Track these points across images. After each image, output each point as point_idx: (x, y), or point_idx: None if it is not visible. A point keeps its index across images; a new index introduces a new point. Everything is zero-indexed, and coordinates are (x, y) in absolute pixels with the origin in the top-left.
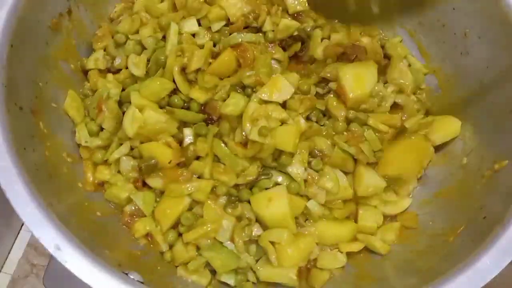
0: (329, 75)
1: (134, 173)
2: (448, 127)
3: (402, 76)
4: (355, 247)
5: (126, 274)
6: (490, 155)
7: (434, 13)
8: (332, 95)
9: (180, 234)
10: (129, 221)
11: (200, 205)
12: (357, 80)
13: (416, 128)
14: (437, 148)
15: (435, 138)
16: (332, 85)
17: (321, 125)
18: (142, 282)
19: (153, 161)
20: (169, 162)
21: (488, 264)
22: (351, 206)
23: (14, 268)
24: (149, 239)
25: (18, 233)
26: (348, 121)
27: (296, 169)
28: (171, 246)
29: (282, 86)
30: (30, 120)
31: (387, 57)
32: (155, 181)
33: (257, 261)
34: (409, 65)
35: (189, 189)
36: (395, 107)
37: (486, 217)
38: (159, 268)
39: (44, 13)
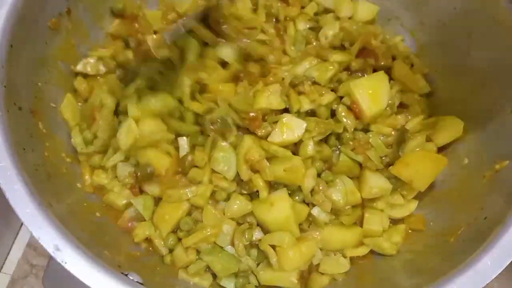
0: (343, 94)
1: (130, 179)
2: (451, 128)
3: (406, 75)
4: (361, 251)
5: (126, 275)
6: (491, 155)
7: (435, 13)
8: (341, 106)
9: (180, 238)
10: (129, 225)
11: (199, 210)
12: (373, 97)
13: (419, 128)
14: (438, 149)
15: (438, 140)
16: (346, 99)
17: (335, 150)
18: (141, 283)
19: (149, 169)
20: (166, 171)
21: (489, 264)
22: (358, 211)
23: (14, 269)
24: (149, 242)
25: (18, 233)
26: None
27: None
28: (171, 250)
29: (294, 124)
30: (29, 120)
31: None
32: (152, 188)
33: (258, 265)
34: (412, 65)
35: (188, 194)
36: (399, 106)
37: (487, 218)
38: (158, 269)
39: (43, 13)
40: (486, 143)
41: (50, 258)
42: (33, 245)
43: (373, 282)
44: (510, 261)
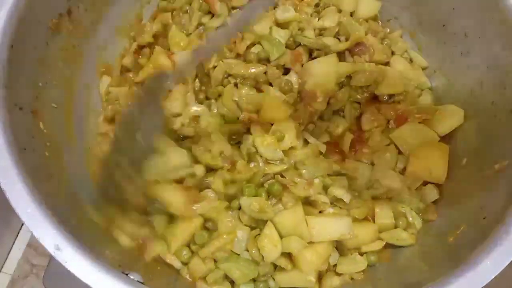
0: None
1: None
2: (451, 116)
3: (405, 70)
4: (376, 245)
5: (127, 274)
6: (491, 155)
7: (434, 13)
8: None
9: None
10: (140, 241)
11: (213, 220)
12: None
13: (417, 110)
14: None
15: (440, 128)
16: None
17: None
18: (142, 283)
19: (157, 204)
20: (184, 207)
21: (488, 265)
22: (368, 203)
23: (14, 268)
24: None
25: (18, 233)
26: None
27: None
28: (185, 263)
29: None
30: (30, 121)
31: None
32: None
33: (275, 268)
34: (411, 60)
35: (199, 209)
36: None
37: (487, 218)
38: (159, 268)
39: (44, 13)
40: (486, 143)
41: (51, 258)
42: (34, 245)
43: (372, 281)
44: (510, 261)
